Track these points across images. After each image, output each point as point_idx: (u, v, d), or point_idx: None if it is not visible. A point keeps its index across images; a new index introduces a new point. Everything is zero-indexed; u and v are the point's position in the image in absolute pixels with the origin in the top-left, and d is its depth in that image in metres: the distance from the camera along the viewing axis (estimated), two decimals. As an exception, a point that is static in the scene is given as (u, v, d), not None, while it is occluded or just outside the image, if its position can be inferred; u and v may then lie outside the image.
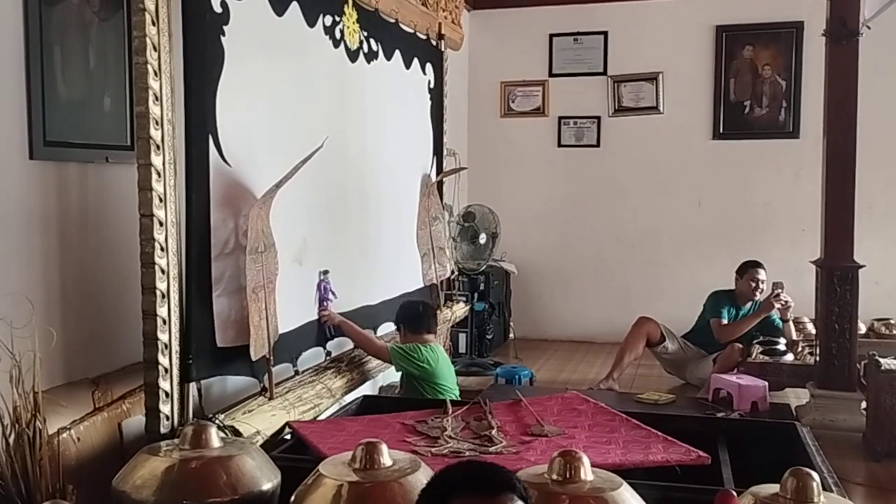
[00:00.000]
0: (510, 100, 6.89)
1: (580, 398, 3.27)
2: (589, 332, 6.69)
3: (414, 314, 3.90)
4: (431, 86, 4.92)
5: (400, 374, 3.93)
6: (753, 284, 5.19)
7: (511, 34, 6.82)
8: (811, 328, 5.23)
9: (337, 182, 3.73)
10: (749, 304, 5.26)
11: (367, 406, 3.40)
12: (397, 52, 4.33)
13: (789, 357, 4.89)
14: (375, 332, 4.04)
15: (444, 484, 1.46)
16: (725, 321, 5.19)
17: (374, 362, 3.87)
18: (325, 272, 3.54)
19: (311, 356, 3.52)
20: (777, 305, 5.07)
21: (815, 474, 1.95)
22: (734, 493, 1.77)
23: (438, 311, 4.68)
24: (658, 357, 5.39)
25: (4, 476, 2.12)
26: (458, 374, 4.29)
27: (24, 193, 2.47)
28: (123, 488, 2.07)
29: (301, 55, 3.39)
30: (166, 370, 2.49)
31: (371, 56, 4.00)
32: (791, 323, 5.21)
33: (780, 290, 5.08)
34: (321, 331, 3.55)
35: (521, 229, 6.65)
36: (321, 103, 3.56)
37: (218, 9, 2.75)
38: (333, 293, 3.56)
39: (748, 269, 5.25)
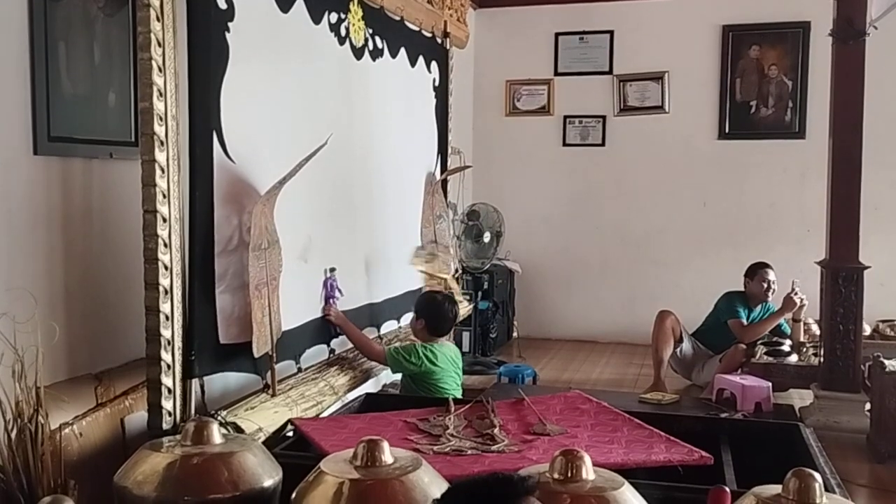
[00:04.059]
0: (515, 98, 6.88)
1: (583, 397, 3.26)
2: (593, 332, 6.68)
3: (441, 318, 3.82)
4: (436, 84, 4.91)
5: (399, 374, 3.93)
6: (765, 286, 5.16)
7: (517, 33, 6.82)
8: (816, 329, 5.21)
9: (341, 179, 3.73)
10: (760, 306, 5.23)
11: (370, 404, 3.40)
12: (402, 50, 4.33)
13: (793, 358, 4.88)
14: (379, 330, 4.05)
15: (486, 499, 1.43)
16: (745, 321, 5.16)
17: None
18: (332, 269, 3.54)
19: (315, 353, 3.51)
20: (797, 301, 5.03)
21: (817, 475, 1.94)
22: (727, 489, 1.76)
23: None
24: (670, 356, 5.34)
25: (6, 471, 2.12)
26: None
27: (29, 189, 2.48)
28: (125, 484, 2.07)
29: (306, 52, 3.38)
30: (169, 366, 2.49)
31: (376, 53, 4.00)
32: (801, 324, 5.18)
33: (797, 288, 5.05)
34: (325, 328, 3.55)
35: (526, 228, 6.65)
36: (326, 100, 3.56)
37: (223, 5, 2.75)
38: (340, 291, 3.56)
39: (758, 271, 5.21)
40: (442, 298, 3.93)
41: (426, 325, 3.79)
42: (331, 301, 3.53)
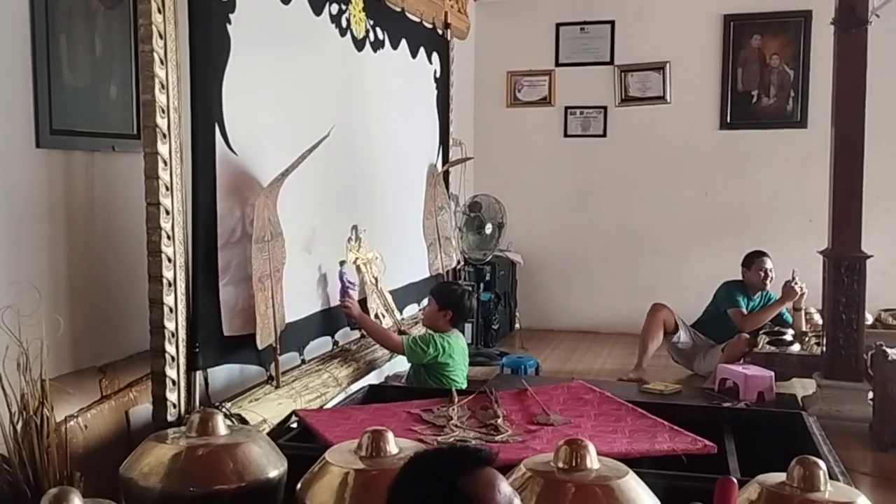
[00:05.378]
0: (516, 89, 6.87)
1: (586, 388, 3.27)
2: (595, 323, 6.68)
3: (465, 310, 3.91)
4: (438, 75, 4.91)
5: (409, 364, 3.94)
6: (762, 274, 5.17)
7: (517, 23, 6.80)
8: (818, 318, 5.21)
9: (343, 171, 3.73)
10: (759, 295, 5.24)
11: (373, 395, 3.41)
12: (403, 41, 4.32)
13: (796, 347, 4.88)
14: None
15: (443, 469, 1.44)
16: (745, 311, 5.16)
17: (379, 352, 3.87)
18: (343, 262, 3.57)
19: (318, 345, 3.53)
20: (797, 290, 5.04)
21: (821, 463, 1.95)
22: (734, 480, 1.77)
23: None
24: (669, 346, 5.37)
25: (12, 463, 2.13)
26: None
27: (31, 182, 2.48)
28: (130, 475, 2.08)
29: (307, 43, 3.38)
30: (173, 358, 2.50)
31: (377, 45, 3.99)
32: (803, 314, 5.19)
33: (797, 277, 5.05)
34: (329, 320, 3.56)
35: (527, 219, 6.64)
36: (327, 92, 3.55)
37: (224, -3, 2.74)
38: (350, 283, 3.58)
39: (755, 260, 5.22)
40: (462, 291, 3.96)
41: (452, 316, 3.82)
42: (347, 292, 3.54)
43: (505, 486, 1.42)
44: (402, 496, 1.45)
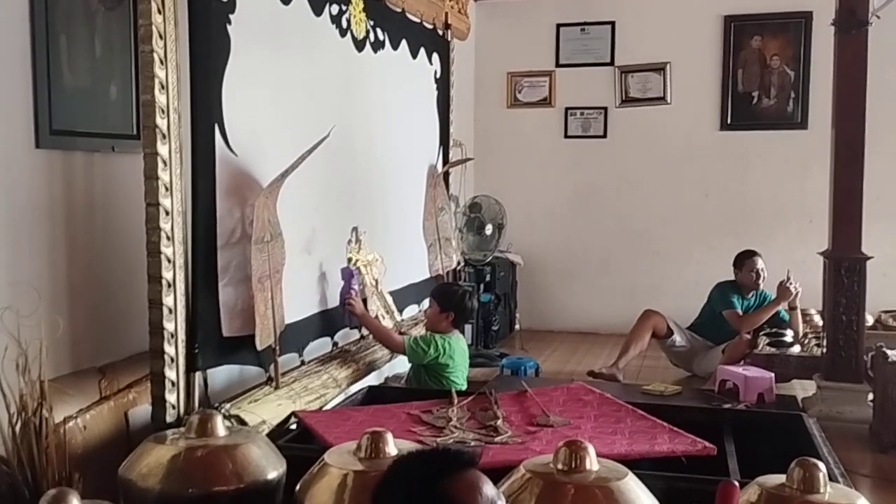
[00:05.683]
0: (517, 90, 6.87)
1: (586, 389, 3.27)
2: (595, 324, 6.68)
3: (467, 311, 3.92)
4: (438, 76, 4.91)
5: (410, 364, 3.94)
6: (754, 275, 5.18)
7: (518, 24, 6.80)
8: (818, 320, 5.21)
9: (343, 172, 3.73)
10: (752, 295, 5.24)
11: (373, 396, 3.41)
12: (404, 42, 4.32)
13: (796, 349, 4.88)
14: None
15: (425, 472, 1.44)
16: (741, 312, 5.17)
17: (379, 353, 3.87)
18: (349, 260, 3.58)
19: (318, 346, 3.52)
20: (792, 290, 5.04)
21: (821, 465, 1.95)
22: (736, 484, 1.77)
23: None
24: (666, 350, 5.39)
25: (11, 464, 2.12)
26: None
27: (31, 183, 2.47)
28: (130, 476, 2.08)
29: (307, 44, 3.38)
30: (172, 359, 2.49)
31: (378, 45, 3.99)
32: (799, 312, 5.19)
33: (791, 277, 5.05)
34: (328, 321, 3.56)
35: (528, 220, 6.64)
36: (328, 92, 3.55)
37: (224, -3, 2.74)
38: (355, 282, 3.59)
39: (745, 261, 5.22)
40: (463, 292, 3.97)
41: (454, 318, 3.82)
42: (351, 291, 3.54)
43: (488, 489, 1.42)
44: (385, 499, 1.45)
